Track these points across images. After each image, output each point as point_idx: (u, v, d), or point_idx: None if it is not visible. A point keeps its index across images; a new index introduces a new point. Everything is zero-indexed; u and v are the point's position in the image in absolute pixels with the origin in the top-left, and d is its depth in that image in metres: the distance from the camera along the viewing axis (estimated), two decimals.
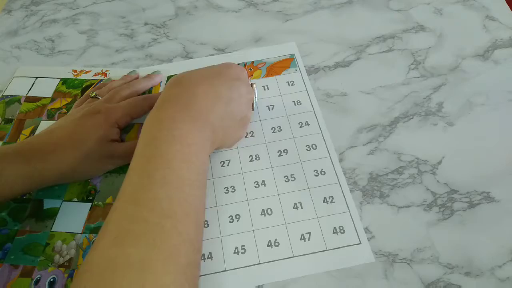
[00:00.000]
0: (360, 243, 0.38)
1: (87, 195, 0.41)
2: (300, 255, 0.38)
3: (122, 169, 0.43)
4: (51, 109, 0.48)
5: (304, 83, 0.50)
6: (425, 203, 0.40)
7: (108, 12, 0.60)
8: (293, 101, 0.48)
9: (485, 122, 0.45)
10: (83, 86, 0.50)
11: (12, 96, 0.50)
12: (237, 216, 0.40)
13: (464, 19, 0.55)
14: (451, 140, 0.44)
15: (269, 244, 0.38)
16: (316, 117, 0.47)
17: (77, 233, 0.39)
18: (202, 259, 0.38)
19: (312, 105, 0.48)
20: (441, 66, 0.50)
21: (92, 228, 0.40)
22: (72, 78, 0.51)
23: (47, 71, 0.52)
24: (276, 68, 0.51)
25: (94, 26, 0.58)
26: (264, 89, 0.49)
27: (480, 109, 0.46)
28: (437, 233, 0.38)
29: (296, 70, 0.51)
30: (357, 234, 0.38)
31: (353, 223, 0.39)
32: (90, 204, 0.41)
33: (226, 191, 0.42)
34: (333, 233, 0.38)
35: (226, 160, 0.44)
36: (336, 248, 0.38)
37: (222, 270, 0.37)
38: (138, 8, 0.60)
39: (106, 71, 0.52)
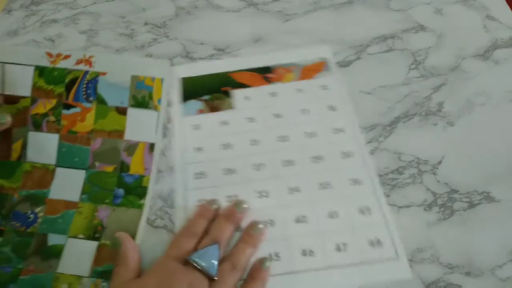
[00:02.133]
0: (397, 257, 0.37)
1: (94, 232, 0.38)
2: (336, 266, 0.36)
3: (132, 203, 0.40)
4: (35, 114, 0.41)
5: (337, 87, 0.48)
6: (425, 203, 0.40)
7: (108, 12, 0.60)
8: (328, 106, 0.46)
9: (485, 122, 0.45)
10: (66, 81, 0.42)
11: None
12: (271, 222, 0.39)
13: (464, 19, 0.55)
14: (451, 140, 0.44)
15: (304, 253, 0.37)
16: (352, 123, 0.45)
17: (84, 276, 0.36)
18: None
19: (347, 111, 0.46)
20: (441, 66, 0.50)
21: (100, 272, 0.36)
22: (49, 67, 0.42)
23: (16, 54, 0.43)
24: (309, 71, 0.50)
25: (94, 26, 0.58)
26: (298, 92, 0.48)
27: (480, 109, 0.46)
28: (437, 233, 0.38)
29: (329, 73, 0.49)
30: (395, 248, 0.37)
31: (390, 235, 0.38)
32: (97, 242, 0.38)
33: (259, 196, 0.41)
34: (370, 245, 0.37)
35: (259, 164, 0.43)
36: (373, 261, 0.36)
37: None
38: (138, 8, 0.60)
39: (90, 57, 0.43)
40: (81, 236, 0.38)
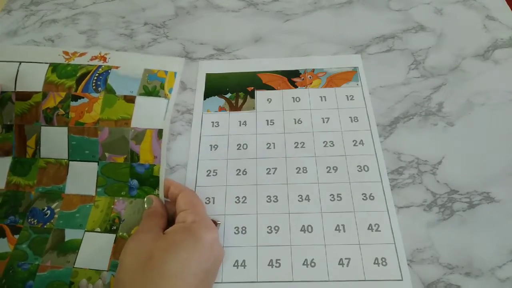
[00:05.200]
0: (401, 279, 0.35)
1: (111, 224, 0.38)
2: (336, 281, 0.36)
3: (148, 194, 0.39)
4: (46, 109, 0.40)
5: (364, 99, 0.47)
6: (425, 203, 0.40)
7: (108, 12, 0.60)
8: (350, 117, 0.46)
9: (485, 122, 0.45)
10: (78, 74, 0.41)
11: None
12: (276, 228, 0.39)
13: (464, 19, 0.55)
14: (451, 140, 0.44)
15: (305, 263, 0.37)
16: (372, 137, 0.44)
17: (103, 270, 0.36)
18: (235, 266, 0.37)
19: (369, 124, 0.45)
20: (441, 66, 0.50)
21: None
22: (63, 64, 0.42)
23: (32, 54, 0.43)
24: (336, 79, 0.49)
25: (94, 26, 0.58)
26: (322, 100, 0.47)
27: (480, 109, 0.46)
28: (437, 233, 0.38)
29: (357, 84, 0.48)
30: (400, 269, 0.36)
31: (397, 256, 0.37)
32: (114, 235, 0.37)
33: (268, 200, 0.40)
34: (374, 263, 0.36)
35: (272, 168, 0.42)
36: (375, 280, 0.35)
37: (253, 280, 0.36)
38: (138, 8, 0.60)
39: (106, 54, 0.43)
40: (98, 229, 0.38)
